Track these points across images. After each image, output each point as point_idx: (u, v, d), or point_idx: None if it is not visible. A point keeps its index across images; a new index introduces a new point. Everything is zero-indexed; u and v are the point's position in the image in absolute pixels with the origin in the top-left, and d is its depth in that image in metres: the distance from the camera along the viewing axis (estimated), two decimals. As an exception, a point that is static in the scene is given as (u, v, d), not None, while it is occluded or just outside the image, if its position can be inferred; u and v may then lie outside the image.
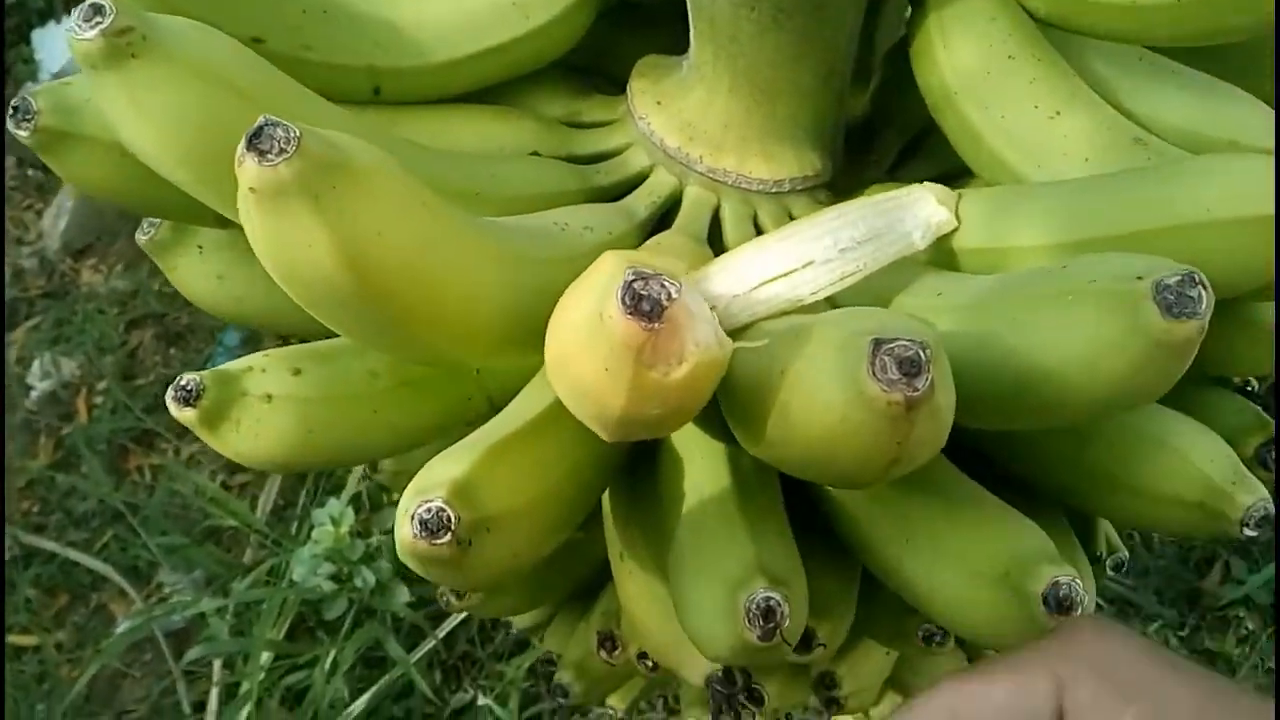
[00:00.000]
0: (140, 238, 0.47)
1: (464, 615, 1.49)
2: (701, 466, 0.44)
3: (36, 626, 1.64)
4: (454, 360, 0.39)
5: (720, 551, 0.38)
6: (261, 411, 0.40)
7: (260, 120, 0.27)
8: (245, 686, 1.42)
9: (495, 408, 0.49)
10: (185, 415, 0.39)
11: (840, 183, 0.52)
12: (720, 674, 0.47)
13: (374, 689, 1.42)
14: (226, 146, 0.30)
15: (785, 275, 0.38)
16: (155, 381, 1.87)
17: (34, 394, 1.89)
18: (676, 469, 0.44)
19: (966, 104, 0.45)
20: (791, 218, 0.49)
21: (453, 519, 0.33)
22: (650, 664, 0.52)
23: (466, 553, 0.34)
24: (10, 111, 0.38)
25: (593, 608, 0.67)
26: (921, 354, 0.27)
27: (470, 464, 0.36)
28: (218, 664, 1.51)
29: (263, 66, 0.37)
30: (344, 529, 1.43)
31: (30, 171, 2.18)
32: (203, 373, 0.40)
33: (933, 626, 0.51)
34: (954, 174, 0.49)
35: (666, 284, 0.26)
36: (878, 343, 0.27)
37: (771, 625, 0.35)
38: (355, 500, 1.53)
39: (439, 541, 0.33)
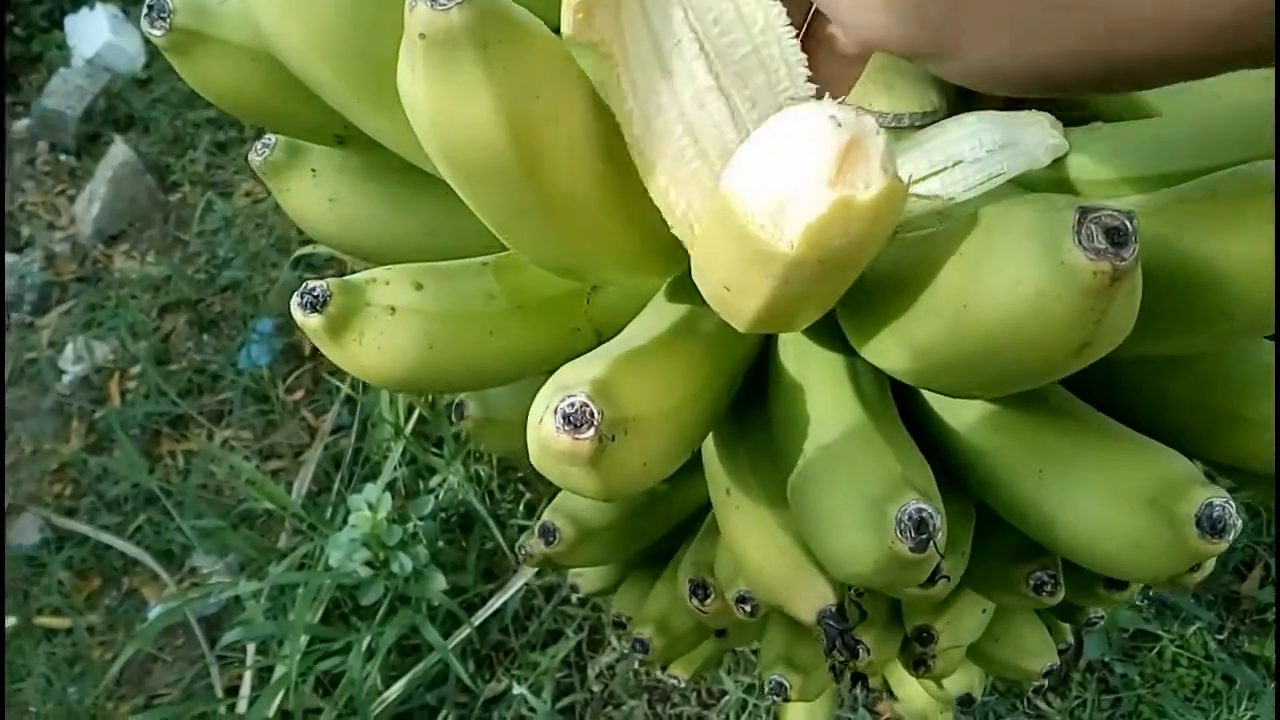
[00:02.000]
0: (254, 159, 0.47)
1: (499, 604, 1.48)
2: (822, 391, 0.43)
3: (69, 609, 1.63)
4: (580, 263, 0.38)
5: (861, 468, 0.38)
6: (385, 323, 0.40)
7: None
8: (280, 670, 1.41)
9: (599, 341, 0.48)
10: (310, 322, 0.38)
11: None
12: (833, 609, 0.45)
13: (409, 675, 1.41)
14: (376, 35, 0.30)
15: (936, 173, 0.37)
16: (188, 367, 1.86)
17: (66, 378, 1.89)
18: (794, 395, 0.43)
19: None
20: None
21: (595, 414, 0.32)
22: (749, 608, 0.51)
23: (605, 451, 0.33)
24: (145, 10, 0.38)
25: (674, 562, 0.67)
26: (1128, 224, 0.26)
27: (608, 366, 0.35)
28: (251, 648, 1.50)
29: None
30: (381, 514, 1.42)
31: (63, 157, 2.18)
32: (329, 280, 0.39)
33: (1044, 574, 0.49)
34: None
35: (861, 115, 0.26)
36: (1084, 210, 0.26)
37: (924, 537, 0.34)
38: (391, 486, 1.52)
39: (582, 436, 0.32)
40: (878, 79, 0.48)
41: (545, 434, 0.32)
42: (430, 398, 1.55)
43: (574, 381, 0.33)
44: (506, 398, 0.62)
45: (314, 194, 0.47)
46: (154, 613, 1.60)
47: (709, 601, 0.54)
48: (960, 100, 0.54)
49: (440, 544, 1.51)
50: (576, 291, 0.46)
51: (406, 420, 1.54)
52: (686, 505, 0.63)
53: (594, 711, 1.48)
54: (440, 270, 0.43)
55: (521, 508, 1.58)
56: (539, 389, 0.64)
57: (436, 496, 1.51)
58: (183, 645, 1.60)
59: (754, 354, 0.44)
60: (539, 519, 0.61)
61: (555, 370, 0.52)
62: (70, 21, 2.28)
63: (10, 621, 1.64)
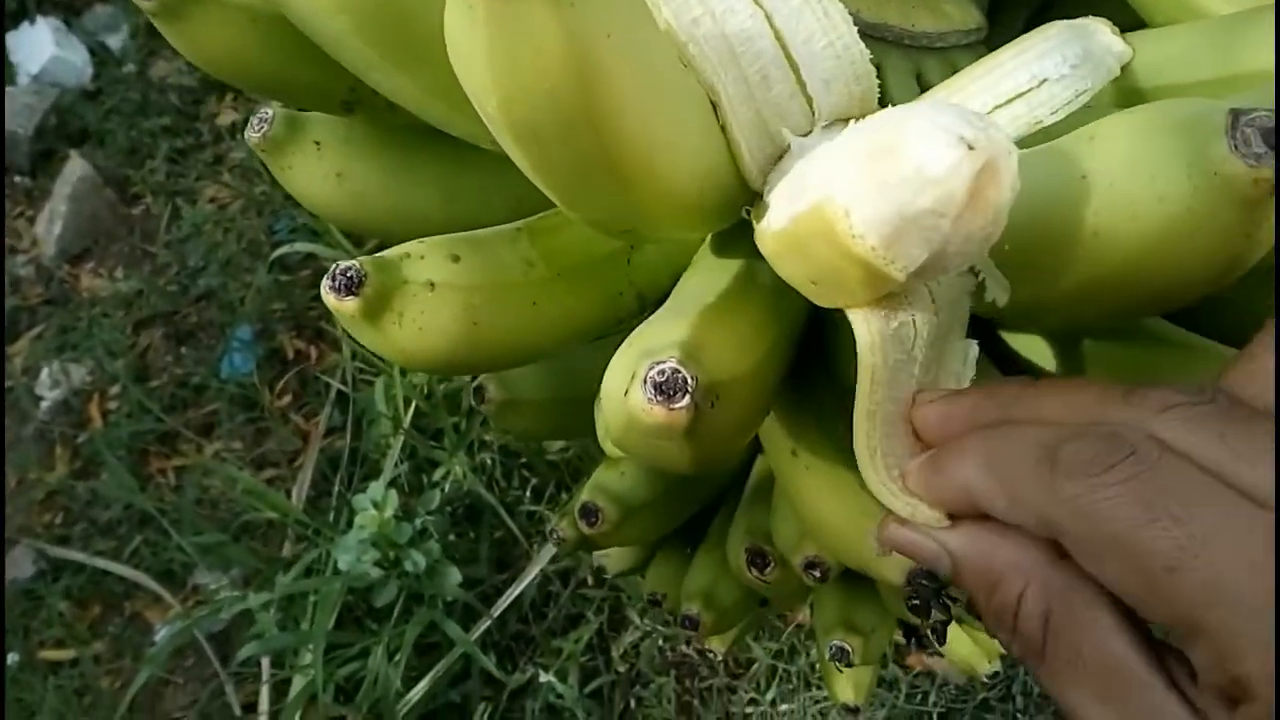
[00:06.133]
0: (251, 136, 0.43)
1: (516, 593, 1.45)
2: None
3: (72, 639, 1.59)
4: (639, 218, 0.34)
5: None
6: (425, 300, 0.36)
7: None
8: (298, 681, 1.38)
9: (643, 305, 0.45)
10: (346, 306, 0.35)
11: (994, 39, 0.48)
12: (924, 568, 0.42)
13: (431, 674, 1.38)
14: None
15: (1022, 95, 0.34)
16: (169, 382, 1.81)
17: (44, 404, 1.83)
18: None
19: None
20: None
21: (689, 380, 0.29)
22: (819, 572, 0.48)
23: (700, 420, 0.30)
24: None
25: (711, 535, 0.64)
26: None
27: (690, 327, 0.32)
28: (266, 661, 1.46)
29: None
30: (388, 513, 1.39)
31: (18, 178, 2.11)
32: (361, 258, 0.35)
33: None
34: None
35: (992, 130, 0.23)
36: (1236, 114, 0.23)
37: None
38: (393, 483, 1.48)
39: (677, 406, 0.29)
40: (920, 2, 0.44)
41: (635, 407, 0.29)
42: (426, 388, 1.51)
43: (659, 346, 0.30)
44: (528, 377, 0.59)
45: (319, 169, 0.44)
46: (161, 635, 1.56)
47: (769, 570, 0.51)
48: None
49: (450, 538, 1.48)
50: (617, 253, 0.42)
51: (404, 414, 1.50)
52: (723, 476, 0.60)
53: (623, 692, 1.45)
54: (474, 240, 0.39)
55: (529, 494, 1.55)
56: (561, 367, 0.60)
57: (442, 490, 1.48)
58: (193, 665, 1.56)
59: (810, 306, 0.41)
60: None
61: (600, 338, 0.48)
62: (11, 38, 2.20)
63: (13, 658, 1.60)
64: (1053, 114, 0.34)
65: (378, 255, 0.36)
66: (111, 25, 2.25)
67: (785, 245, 0.29)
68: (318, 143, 0.43)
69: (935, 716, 1.34)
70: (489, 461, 1.53)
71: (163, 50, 2.22)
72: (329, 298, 0.35)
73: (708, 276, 0.38)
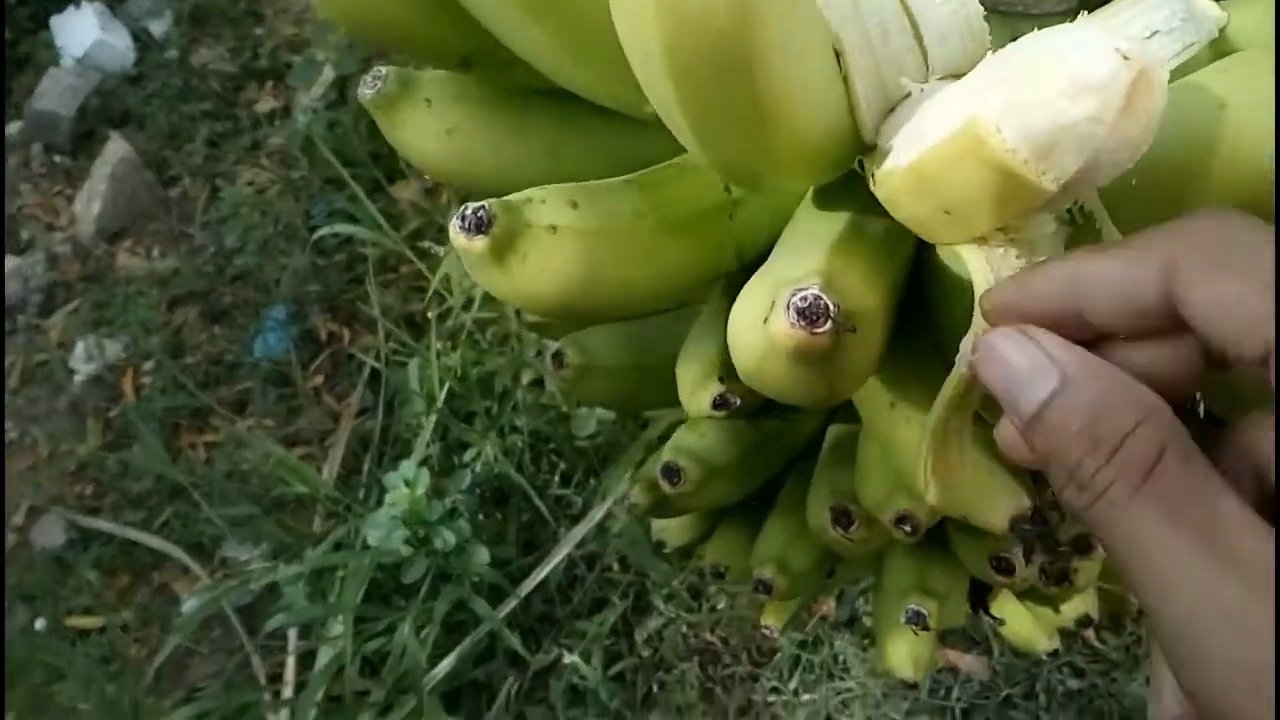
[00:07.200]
0: (364, 93, 0.45)
1: (542, 575, 1.47)
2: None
3: (100, 607, 1.61)
4: (769, 163, 0.36)
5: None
6: (548, 243, 0.38)
7: None
8: (324, 654, 1.40)
9: (742, 261, 0.47)
10: (475, 245, 0.37)
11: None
12: (1029, 513, 0.44)
13: (457, 650, 1.40)
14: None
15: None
16: (203, 359, 1.84)
17: (78, 378, 1.86)
18: (964, 293, 0.42)
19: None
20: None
21: (831, 306, 0.31)
22: (910, 527, 0.49)
23: (839, 346, 0.32)
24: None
25: (781, 500, 0.65)
26: None
27: (826, 259, 0.34)
28: (293, 633, 1.48)
29: None
30: (419, 491, 1.41)
31: (58, 158, 2.14)
32: (489, 200, 0.37)
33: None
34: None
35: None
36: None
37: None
38: (424, 463, 1.50)
39: (819, 330, 0.31)
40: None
41: (778, 332, 0.31)
42: (459, 370, 1.53)
43: (799, 274, 0.32)
44: (605, 343, 0.61)
45: (430, 125, 0.46)
46: (187, 606, 1.58)
47: (854, 529, 0.53)
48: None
49: (479, 518, 1.50)
50: (719, 207, 0.44)
51: (439, 394, 1.53)
52: (798, 439, 0.62)
53: (645, 676, 1.47)
54: (590, 189, 0.41)
55: (557, 478, 1.57)
56: (637, 334, 0.62)
57: (472, 471, 1.50)
58: (219, 636, 1.58)
59: (911, 257, 0.43)
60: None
61: (699, 289, 0.50)
62: (56, 21, 2.24)
63: (40, 623, 1.62)
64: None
65: (503, 199, 0.38)
66: (155, 11, 2.28)
67: (916, 180, 0.30)
68: (428, 100, 0.45)
69: (958, 712, 1.35)
70: (519, 445, 1.55)
71: (204, 38, 2.25)
72: (458, 238, 0.37)
73: (818, 224, 0.40)
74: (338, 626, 1.41)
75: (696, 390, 0.52)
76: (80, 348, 1.87)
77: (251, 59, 2.19)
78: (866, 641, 1.46)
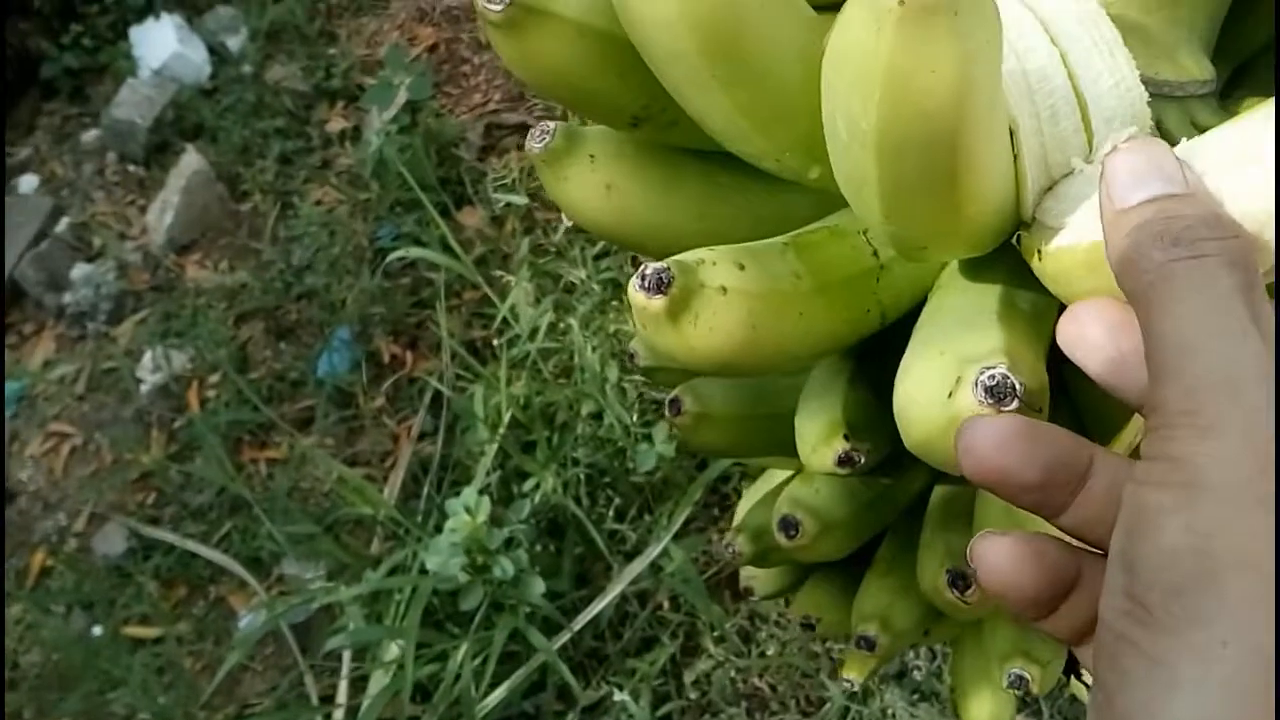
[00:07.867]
0: (532, 147, 0.46)
1: (596, 611, 1.47)
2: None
3: (158, 618, 1.63)
4: (944, 234, 0.37)
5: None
6: (718, 304, 0.39)
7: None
8: (378, 678, 1.40)
9: (884, 321, 0.47)
10: (654, 304, 0.37)
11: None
12: None
13: (510, 680, 1.40)
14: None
15: None
16: (267, 375, 1.86)
17: (144, 387, 1.89)
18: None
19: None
20: (1196, 126, 0.47)
21: (1018, 385, 0.31)
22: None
23: None
24: (489, -17, 0.37)
25: (880, 560, 0.65)
26: None
27: (1003, 338, 0.35)
28: (347, 655, 1.49)
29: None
30: (480, 519, 1.41)
31: (131, 167, 2.19)
32: (667, 260, 0.38)
33: None
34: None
35: None
36: None
37: None
38: (484, 491, 1.51)
39: (1007, 408, 0.31)
40: (1152, 46, 0.47)
41: (964, 409, 0.31)
42: (524, 399, 1.54)
43: (983, 352, 0.32)
44: (721, 393, 0.61)
45: (592, 180, 0.47)
46: (244, 621, 1.60)
47: (970, 592, 0.53)
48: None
49: (535, 549, 1.50)
50: (868, 271, 0.45)
51: (502, 422, 1.54)
52: (906, 496, 0.62)
53: (693, 718, 1.46)
54: (751, 251, 0.42)
55: (612, 513, 1.57)
56: (752, 385, 0.63)
57: (532, 501, 1.50)
58: (272, 654, 1.59)
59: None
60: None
61: (842, 351, 0.51)
62: (135, 32, 2.29)
63: (98, 630, 1.64)
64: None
65: (678, 258, 0.39)
66: (231, 27, 2.33)
67: (1100, 259, 0.31)
68: (592, 156, 0.46)
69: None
70: (578, 478, 1.55)
71: (278, 54, 2.30)
72: (637, 296, 0.38)
73: (976, 296, 0.41)
74: (393, 650, 1.42)
75: (820, 446, 0.53)
76: (148, 357, 1.91)
77: (325, 79, 2.23)
78: (915, 696, 1.45)
